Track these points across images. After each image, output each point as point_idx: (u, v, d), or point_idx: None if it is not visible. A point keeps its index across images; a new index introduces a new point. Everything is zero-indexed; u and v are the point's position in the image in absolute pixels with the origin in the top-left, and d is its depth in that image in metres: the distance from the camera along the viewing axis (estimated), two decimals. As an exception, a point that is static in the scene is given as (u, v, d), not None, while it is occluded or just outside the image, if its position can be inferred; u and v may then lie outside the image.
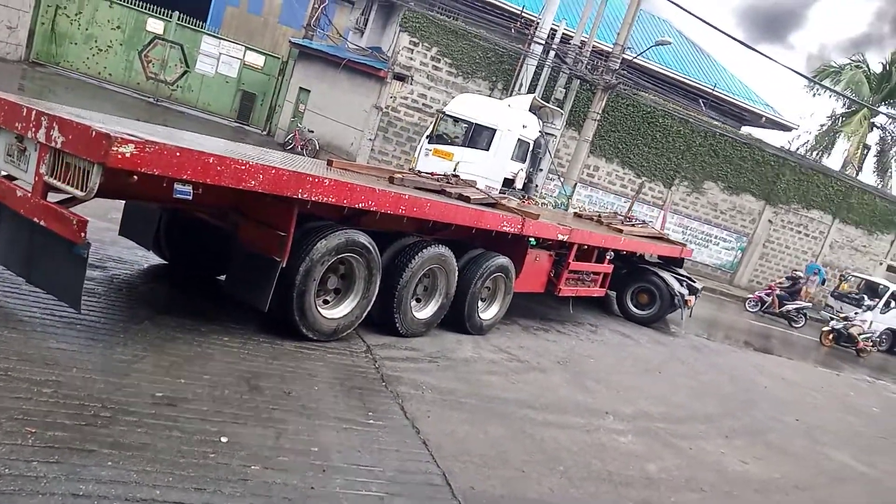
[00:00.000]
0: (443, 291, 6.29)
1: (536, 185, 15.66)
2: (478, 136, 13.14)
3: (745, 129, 25.09)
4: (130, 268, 5.81)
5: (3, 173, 4.28)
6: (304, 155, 18.44)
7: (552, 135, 15.68)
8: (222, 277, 5.99)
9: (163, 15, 21.14)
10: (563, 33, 18.43)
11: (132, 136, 3.55)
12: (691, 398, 7.20)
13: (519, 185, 13.73)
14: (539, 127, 14.40)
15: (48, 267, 4.01)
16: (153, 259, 6.05)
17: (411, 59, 17.82)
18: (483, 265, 6.60)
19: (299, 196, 4.40)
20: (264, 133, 22.23)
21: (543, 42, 17.34)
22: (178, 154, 3.72)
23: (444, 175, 7.72)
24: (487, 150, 13.07)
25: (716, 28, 19.42)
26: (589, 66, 17.69)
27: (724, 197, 21.25)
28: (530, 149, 14.20)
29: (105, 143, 3.42)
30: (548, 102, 18.29)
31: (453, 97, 18.19)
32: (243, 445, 3.36)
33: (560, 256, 8.30)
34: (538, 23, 17.78)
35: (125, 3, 20.91)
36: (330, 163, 6.49)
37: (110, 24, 20.88)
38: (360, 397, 4.43)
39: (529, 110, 14.20)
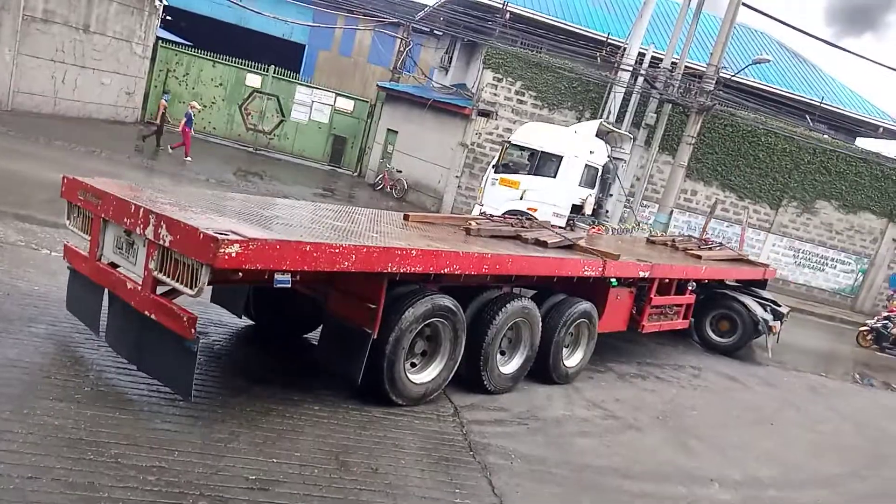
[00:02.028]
0: (527, 344, 6.21)
1: (606, 211, 15.44)
2: (544, 164, 13.15)
3: (861, 142, 23.30)
4: (227, 331, 6.09)
5: (108, 261, 4.62)
6: (393, 194, 18.88)
7: (621, 159, 15.40)
8: (308, 335, 6.23)
9: (260, 69, 22.52)
10: (653, 56, 17.95)
11: (237, 234, 3.67)
12: (809, 455, 6.62)
13: (588, 210, 13.60)
14: (607, 152, 14.19)
15: (159, 357, 4.20)
16: (246, 321, 6.31)
17: (495, 94, 17.93)
18: (565, 313, 6.49)
19: (389, 269, 4.47)
20: (355, 175, 23.01)
21: (631, 67, 16.95)
22: (278, 247, 3.81)
23: (518, 218, 7.71)
24: (554, 177, 13.10)
25: (817, 38, 18.26)
26: (681, 89, 17.08)
27: (839, 216, 19.72)
28: (599, 174, 14.03)
29: (213, 246, 3.54)
30: (638, 128, 17.82)
31: (539, 130, 18.15)
32: (331, 534, 3.39)
33: (641, 291, 8.01)
34: (625, 48, 17.42)
35: (226, 62, 22.46)
36: (406, 217, 6.63)
37: (213, 81, 22.48)
38: (447, 470, 4.38)
39: (597, 136, 14.01)
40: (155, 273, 4.02)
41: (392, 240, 4.96)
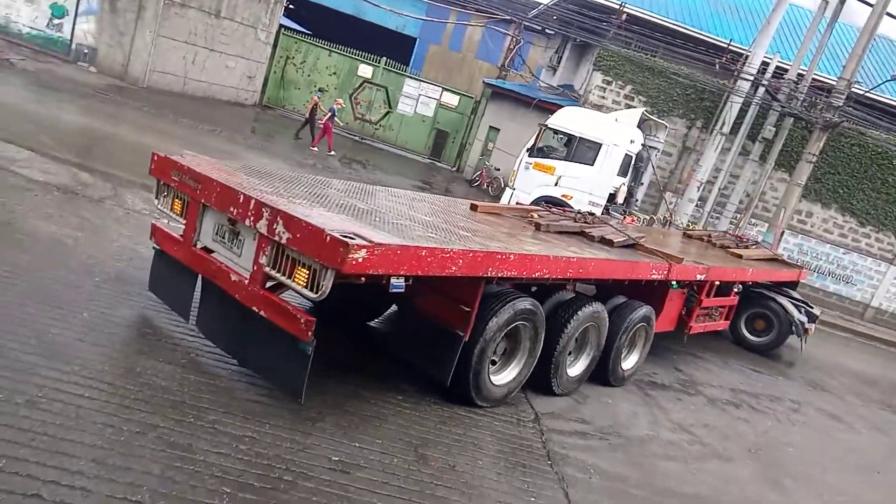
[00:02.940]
0: (594, 346, 6.17)
1: (637, 200, 14.84)
2: (582, 150, 12.71)
3: None
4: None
5: (202, 246, 4.52)
6: (489, 192, 18.89)
7: (655, 148, 14.81)
8: (372, 323, 6.25)
9: (372, 60, 23.14)
10: (777, 66, 16.90)
11: (364, 239, 3.52)
12: (919, 513, 6.06)
13: (620, 199, 13.17)
14: (642, 140, 13.73)
15: (267, 355, 4.08)
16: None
17: (603, 97, 17.51)
18: (627, 318, 6.42)
19: (488, 274, 4.43)
20: (454, 169, 23.20)
21: (752, 77, 16.03)
22: (398, 252, 3.70)
23: (580, 213, 7.77)
24: (592, 164, 12.64)
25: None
26: (806, 103, 15.99)
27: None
28: (632, 163, 13.52)
29: (342, 251, 3.38)
30: (753, 142, 16.88)
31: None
32: (406, 524, 3.46)
33: (691, 293, 7.88)
34: (747, 56, 16.49)
35: (341, 52, 23.24)
36: (474, 207, 6.65)
37: (328, 70, 23.32)
38: (524, 477, 4.35)
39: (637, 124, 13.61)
40: (267, 269, 3.88)
41: (486, 240, 4.94)
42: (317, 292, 3.64)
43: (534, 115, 18.71)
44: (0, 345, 3.93)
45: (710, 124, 16.74)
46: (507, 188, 13.31)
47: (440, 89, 23.45)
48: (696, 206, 16.72)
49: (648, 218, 14.79)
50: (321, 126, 17.32)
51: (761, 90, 16.40)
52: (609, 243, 6.57)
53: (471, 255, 4.22)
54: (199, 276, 4.52)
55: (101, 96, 14.59)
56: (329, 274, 3.57)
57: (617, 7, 18.49)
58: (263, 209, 3.81)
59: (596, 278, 5.83)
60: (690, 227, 13.80)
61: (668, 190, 17.43)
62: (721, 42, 18.71)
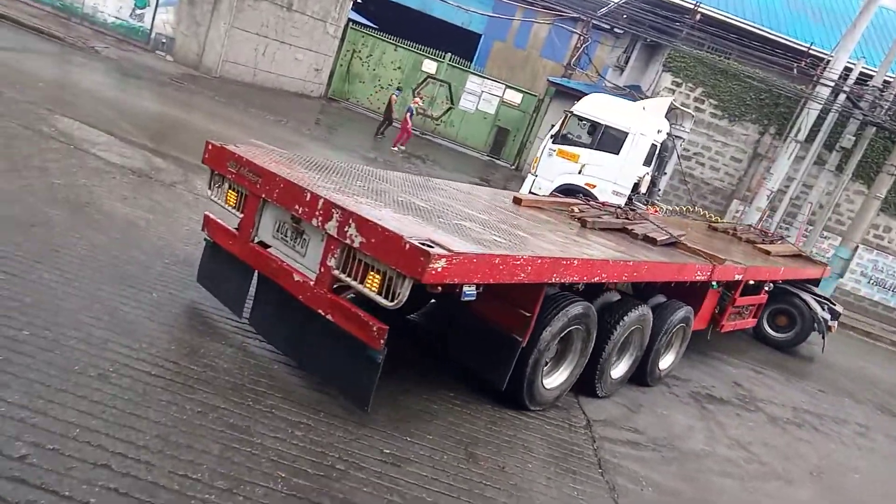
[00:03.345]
0: (637, 347, 6.07)
1: (660, 190, 14.60)
2: (608, 139, 12.40)
3: None
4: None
5: (258, 241, 4.37)
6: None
7: (681, 137, 14.46)
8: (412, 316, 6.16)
9: (437, 56, 23.23)
10: (861, 72, 16.07)
11: (443, 248, 3.42)
12: None
13: (644, 189, 12.90)
14: (667, 128, 13.36)
15: (330, 359, 4.00)
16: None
17: (673, 99, 17.03)
18: (668, 319, 6.29)
19: (552, 280, 4.34)
20: (513, 167, 23.06)
21: (833, 83, 15.30)
22: (475, 261, 3.59)
23: (619, 208, 7.71)
24: (617, 153, 12.34)
25: None
26: (891, 111, 15.16)
27: None
28: (657, 152, 13.21)
29: (423, 261, 3.27)
30: (830, 151, 16.12)
31: (716, 141, 17.03)
32: (453, 522, 3.46)
33: (725, 292, 7.71)
34: (828, 60, 15.76)
35: (407, 47, 23.41)
36: (517, 200, 6.58)
37: (393, 64, 23.54)
38: (574, 484, 4.29)
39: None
40: (336, 272, 3.75)
41: (545, 243, 4.88)
42: (392, 300, 3.53)
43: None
44: (77, 319, 4.13)
45: (785, 131, 16.09)
46: (530, 175, 13.14)
47: (503, 87, 23.34)
48: (768, 216, 16.11)
49: (672, 209, 14.35)
50: (401, 125, 17.58)
51: (842, 97, 15.65)
52: (652, 241, 6.47)
53: (539, 261, 4.12)
54: (255, 273, 4.42)
55: (175, 84, 15.15)
56: (406, 282, 3.45)
57: (691, 6, 17.95)
58: (334, 210, 3.67)
59: (647, 281, 5.76)
60: (715, 220, 13.36)
61: (736, 197, 16.86)
62: (800, 45, 17.91)
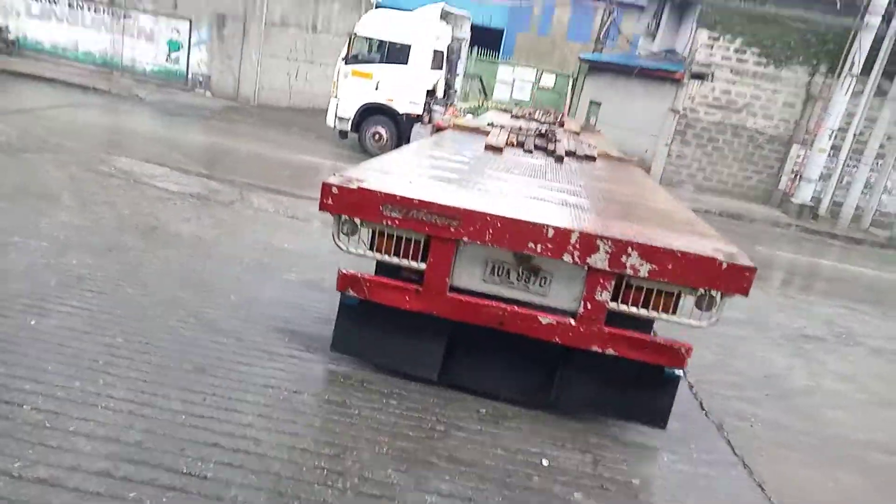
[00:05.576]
0: None
1: (455, 91, 15.38)
2: (394, 53, 13.03)
3: None
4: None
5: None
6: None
7: (464, 38, 15.32)
8: None
9: (464, 52, 23.25)
10: (910, -7, 15.19)
11: (746, 259, 3.30)
12: None
13: (440, 93, 13.69)
14: (451, 34, 14.00)
15: (612, 393, 3.76)
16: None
17: (711, 55, 16.49)
18: None
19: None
20: (558, 150, 22.78)
21: (883, 9, 14.51)
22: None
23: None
24: (406, 64, 12.99)
25: None
26: (948, 27, 14.27)
27: None
28: (445, 56, 13.84)
29: (748, 275, 3.21)
30: (892, 80, 15.28)
31: (764, 90, 16.44)
32: (563, 471, 3.37)
33: None
34: (872, -12, 14.96)
35: (433, 48, 23.52)
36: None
37: (460, 76, 23.67)
38: (681, 427, 4.12)
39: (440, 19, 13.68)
40: (611, 305, 3.44)
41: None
42: (708, 320, 3.41)
43: (637, 84, 18.02)
44: (165, 323, 4.25)
45: (837, 67, 15.34)
46: (332, 98, 13.55)
47: (535, 71, 23.16)
48: (829, 155, 15.37)
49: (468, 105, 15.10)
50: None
51: (895, 22, 14.82)
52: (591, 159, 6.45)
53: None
54: (450, 326, 3.79)
55: (217, 117, 15.60)
56: (721, 300, 3.35)
57: (716, -42, 17.37)
58: (599, 241, 3.29)
59: None
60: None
61: (795, 142, 16.16)
62: (839, -23, 17.07)
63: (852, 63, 14.71)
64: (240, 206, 8.07)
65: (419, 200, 3.41)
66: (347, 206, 3.50)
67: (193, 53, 18.52)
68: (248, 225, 7.25)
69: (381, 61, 13.25)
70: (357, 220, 3.56)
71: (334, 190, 3.45)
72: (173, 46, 18.57)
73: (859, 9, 15.01)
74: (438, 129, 11.33)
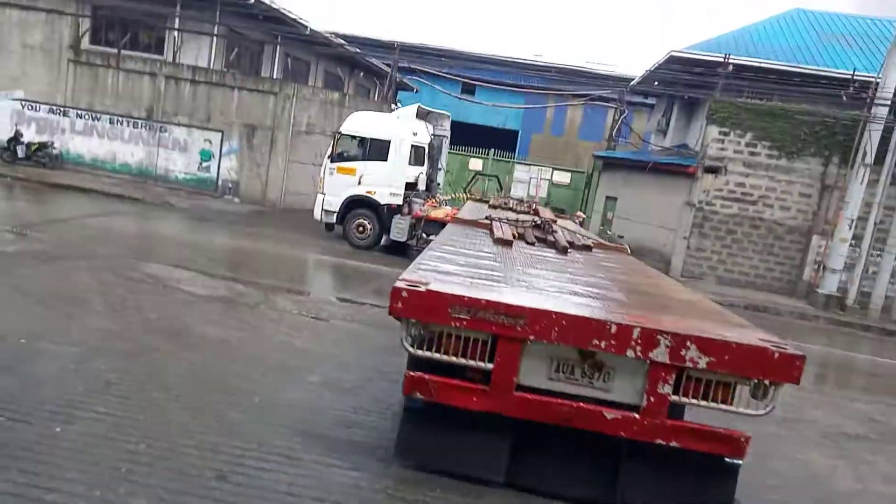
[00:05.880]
0: None
1: (438, 184, 16.36)
2: (375, 149, 13.89)
3: None
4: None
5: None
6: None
7: (444, 136, 16.21)
8: None
9: (481, 154, 24.10)
10: (914, 85, 15.61)
11: (788, 346, 3.52)
12: None
13: (422, 186, 14.57)
14: (430, 131, 14.96)
15: (687, 487, 3.76)
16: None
17: (722, 149, 16.90)
18: None
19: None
20: (577, 245, 23.00)
21: (889, 101, 14.90)
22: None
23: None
24: (386, 160, 13.79)
25: None
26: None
27: None
28: (426, 152, 14.81)
29: (799, 364, 3.40)
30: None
31: (778, 181, 16.68)
32: None
33: None
34: (877, 82, 15.44)
35: (452, 151, 24.44)
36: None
37: (442, 169, 24.48)
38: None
39: (418, 118, 14.63)
40: (673, 398, 3.55)
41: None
42: (764, 408, 3.57)
43: (651, 179, 18.40)
44: (188, 428, 4.22)
45: (850, 158, 15.59)
46: (318, 194, 14.33)
47: (550, 169, 23.82)
48: (851, 244, 15.29)
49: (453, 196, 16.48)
50: None
51: (904, 113, 15.16)
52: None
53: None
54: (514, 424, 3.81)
55: (244, 221, 16.12)
56: (776, 389, 3.52)
57: (722, 59, 18.19)
58: (660, 336, 3.45)
59: None
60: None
61: (815, 232, 16.14)
62: (843, 73, 17.70)
63: (864, 153, 14.95)
64: (265, 307, 8.17)
65: (486, 301, 3.53)
66: (417, 309, 3.59)
67: (224, 162, 19.42)
68: (274, 326, 7.31)
69: (363, 158, 14.17)
70: (418, 323, 3.64)
71: (404, 294, 3.55)
72: (205, 156, 19.50)
73: (865, 100, 15.43)
74: (417, 218, 12.45)
